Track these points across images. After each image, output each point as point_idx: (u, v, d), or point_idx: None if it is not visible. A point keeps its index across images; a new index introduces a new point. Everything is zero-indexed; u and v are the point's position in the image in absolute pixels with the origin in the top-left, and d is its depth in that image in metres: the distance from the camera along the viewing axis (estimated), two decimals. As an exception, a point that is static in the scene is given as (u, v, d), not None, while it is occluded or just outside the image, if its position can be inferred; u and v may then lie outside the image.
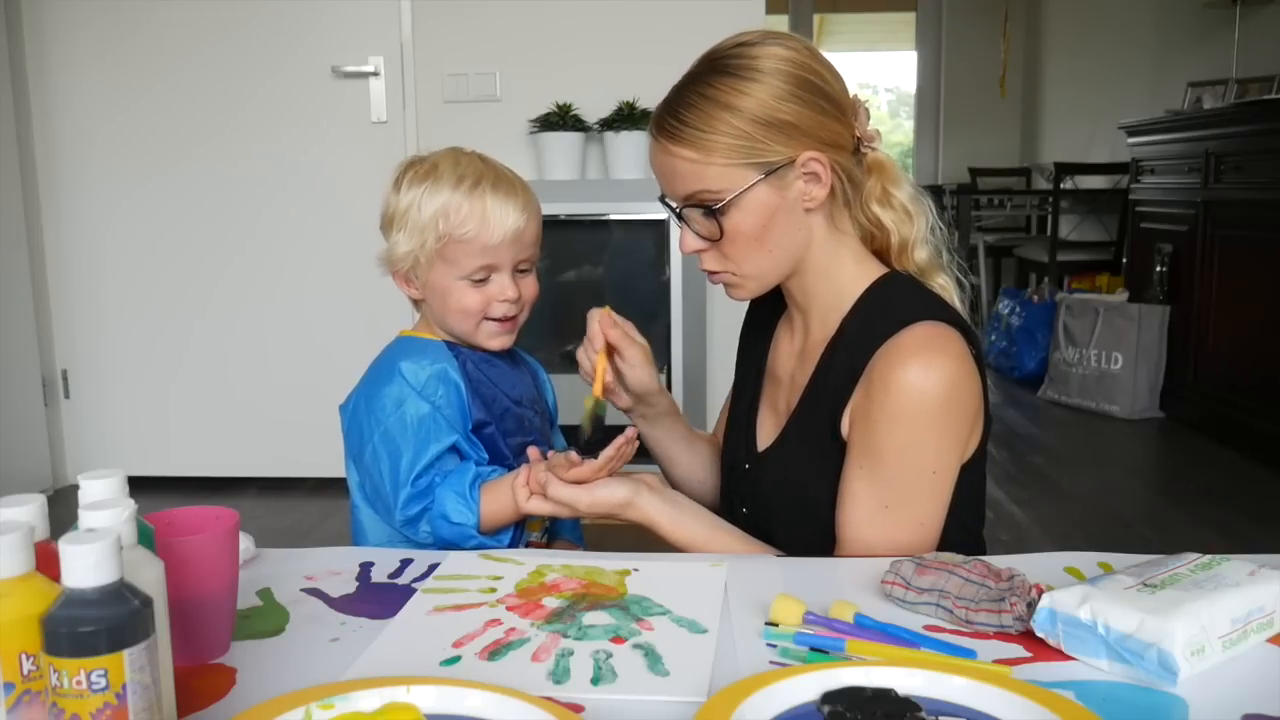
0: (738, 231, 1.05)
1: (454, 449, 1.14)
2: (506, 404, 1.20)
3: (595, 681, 0.75)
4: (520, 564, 1.00)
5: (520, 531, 1.16)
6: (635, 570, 0.97)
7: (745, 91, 1.02)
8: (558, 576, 0.96)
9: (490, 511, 1.09)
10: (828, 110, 1.04)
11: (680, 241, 1.10)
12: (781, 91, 1.02)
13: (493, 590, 0.93)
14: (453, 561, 1.02)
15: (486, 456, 1.16)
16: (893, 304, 1.07)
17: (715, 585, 0.93)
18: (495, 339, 1.18)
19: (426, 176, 1.15)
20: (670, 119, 1.04)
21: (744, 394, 1.25)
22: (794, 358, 1.17)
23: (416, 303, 1.22)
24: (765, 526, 1.13)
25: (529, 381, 1.27)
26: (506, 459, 1.17)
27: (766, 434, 1.19)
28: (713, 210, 1.04)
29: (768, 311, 1.24)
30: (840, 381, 1.07)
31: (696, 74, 1.06)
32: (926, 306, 1.07)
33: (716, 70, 1.04)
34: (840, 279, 1.11)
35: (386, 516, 1.13)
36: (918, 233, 1.13)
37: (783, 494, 1.13)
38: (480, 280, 1.15)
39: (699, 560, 1.01)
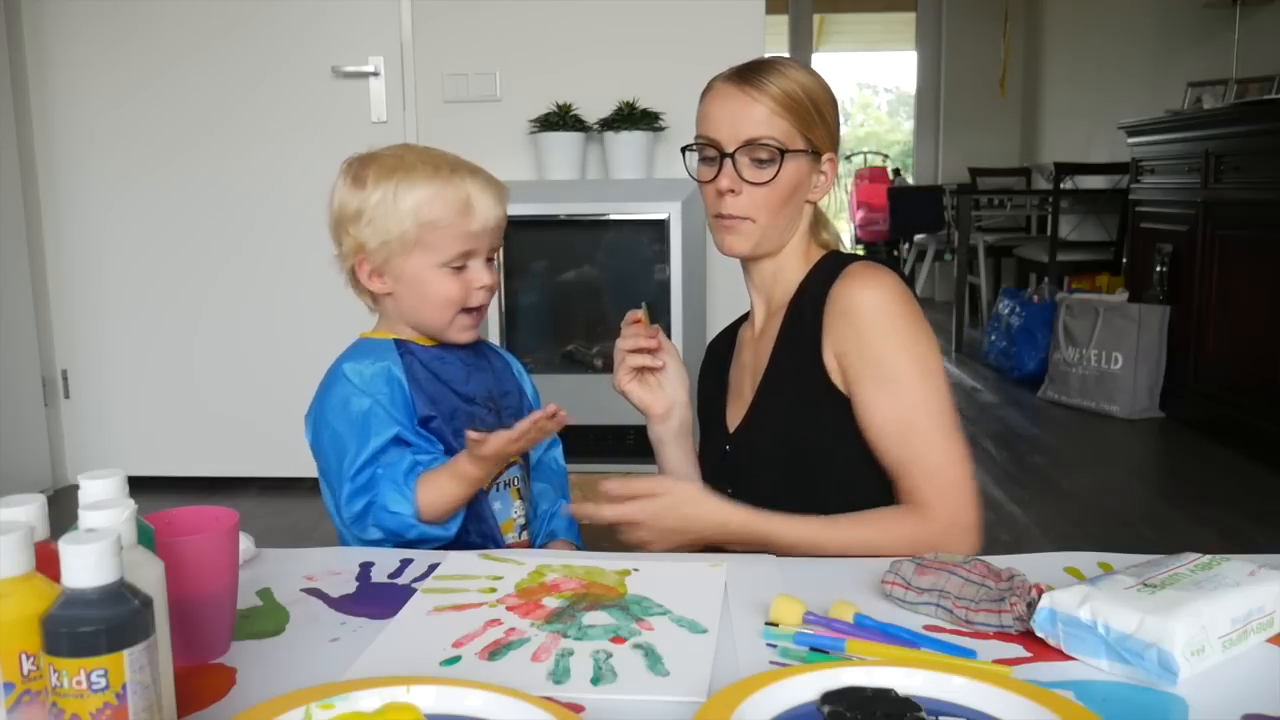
0: (779, 184, 1.17)
1: (402, 442, 1.12)
2: (455, 402, 1.18)
3: (595, 681, 0.75)
4: (521, 564, 1.00)
5: (473, 519, 1.15)
6: (635, 570, 0.97)
7: (810, 81, 1.18)
8: (558, 576, 0.96)
9: (430, 500, 1.09)
10: (838, 131, 1.23)
11: (718, 178, 1.18)
12: (829, 97, 1.20)
13: (493, 590, 0.93)
14: (453, 562, 1.02)
15: (441, 448, 1.15)
16: (836, 263, 1.22)
17: (715, 585, 0.93)
18: (466, 332, 1.19)
19: (394, 170, 1.14)
20: (753, 73, 1.17)
21: (711, 411, 1.33)
22: (754, 342, 1.27)
23: (375, 300, 1.21)
24: (753, 497, 1.12)
25: (488, 379, 1.24)
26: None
27: (739, 413, 1.26)
28: (783, 152, 1.16)
29: (721, 351, 1.36)
30: (807, 332, 1.17)
31: (769, 59, 1.21)
32: (861, 258, 1.24)
33: (782, 61, 1.20)
34: (800, 260, 1.24)
35: (338, 520, 1.13)
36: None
37: (767, 454, 1.19)
38: (459, 268, 1.16)
39: (699, 560, 1.01)
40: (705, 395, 1.36)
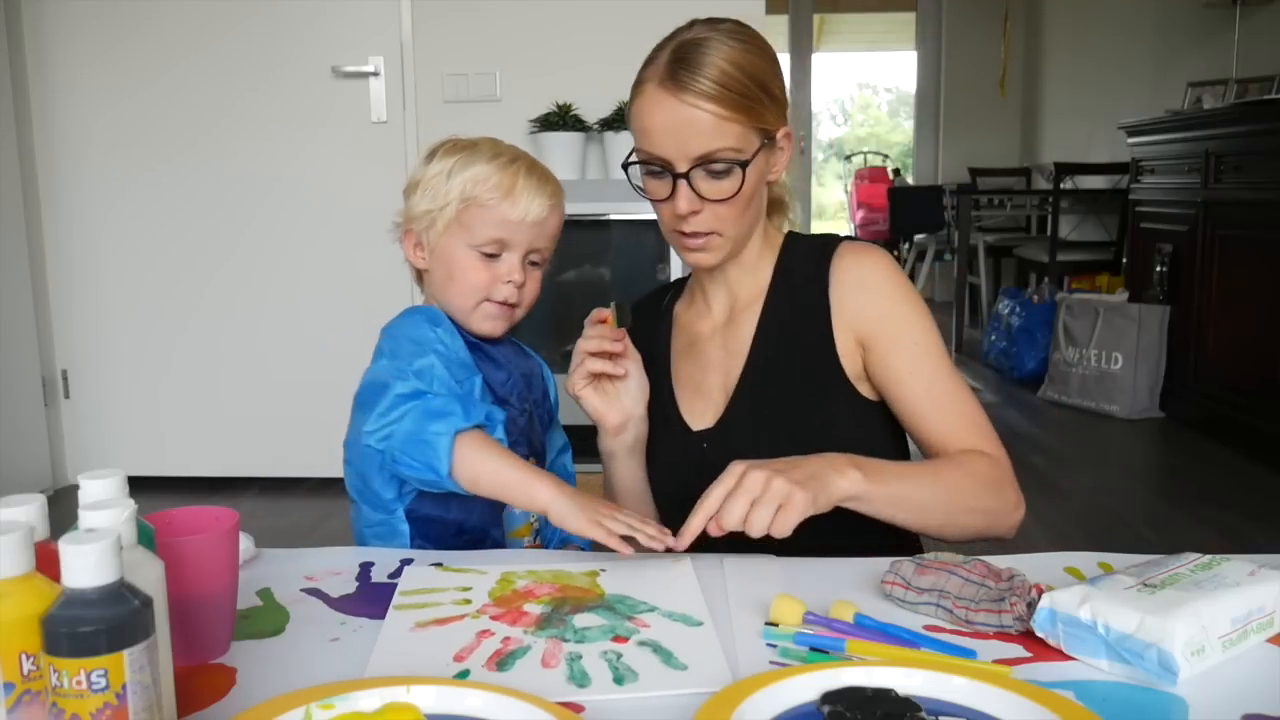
0: (743, 193, 1.08)
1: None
2: (491, 399, 1.16)
3: (618, 682, 0.74)
4: (483, 573, 0.96)
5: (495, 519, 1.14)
6: (603, 570, 0.96)
7: (746, 56, 1.06)
8: (528, 583, 0.94)
9: (471, 454, 1.00)
10: (785, 93, 1.13)
11: (674, 199, 1.08)
12: (769, 65, 1.09)
13: (468, 602, 0.90)
14: (411, 577, 0.97)
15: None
16: (811, 245, 1.19)
17: (688, 579, 0.93)
18: (489, 321, 1.17)
19: (464, 149, 1.17)
20: (687, 73, 1.04)
21: (653, 405, 1.22)
22: (717, 331, 1.21)
23: (419, 276, 1.22)
24: None
25: (519, 380, 1.22)
26: None
27: (709, 410, 1.18)
28: (743, 165, 1.06)
29: (645, 331, 1.25)
30: (807, 318, 1.14)
31: (698, 38, 1.07)
32: (835, 235, 1.21)
33: (718, 35, 1.07)
34: (763, 245, 1.20)
35: (361, 412, 1.04)
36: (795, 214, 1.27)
37: (763, 449, 1.05)
38: (490, 255, 1.15)
39: (661, 559, 0.99)
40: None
